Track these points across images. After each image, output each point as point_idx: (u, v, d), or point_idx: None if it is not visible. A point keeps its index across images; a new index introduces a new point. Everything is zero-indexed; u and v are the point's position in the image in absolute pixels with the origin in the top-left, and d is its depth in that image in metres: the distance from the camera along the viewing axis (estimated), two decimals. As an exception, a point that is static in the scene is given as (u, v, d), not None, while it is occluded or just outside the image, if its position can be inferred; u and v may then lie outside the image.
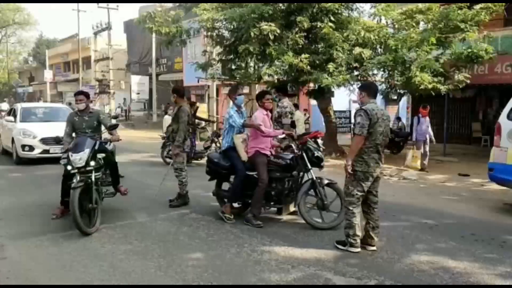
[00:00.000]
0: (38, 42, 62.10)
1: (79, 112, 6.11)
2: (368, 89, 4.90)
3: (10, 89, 63.38)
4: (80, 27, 53.81)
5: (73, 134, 6.13)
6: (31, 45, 65.02)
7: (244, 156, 5.91)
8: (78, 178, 5.39)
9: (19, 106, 13.02)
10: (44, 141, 10.76)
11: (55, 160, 10.20)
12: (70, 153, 5.48)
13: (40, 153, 10.86)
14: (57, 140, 6.63)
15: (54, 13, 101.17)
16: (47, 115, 12.34)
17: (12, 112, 12.77)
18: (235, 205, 6.13)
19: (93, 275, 4.10)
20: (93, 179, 5.41)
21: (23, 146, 10.84)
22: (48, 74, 43.86)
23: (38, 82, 54.05)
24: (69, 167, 5.46)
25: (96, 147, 5.62)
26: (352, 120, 7.06)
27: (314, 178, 5.65)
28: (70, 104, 27.83)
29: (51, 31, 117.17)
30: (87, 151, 5.41)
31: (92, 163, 5.44)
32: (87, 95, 6.31)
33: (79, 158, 5.35)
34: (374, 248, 4.79)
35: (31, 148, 10.85)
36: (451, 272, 4.24)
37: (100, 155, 5.69)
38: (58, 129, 11.06)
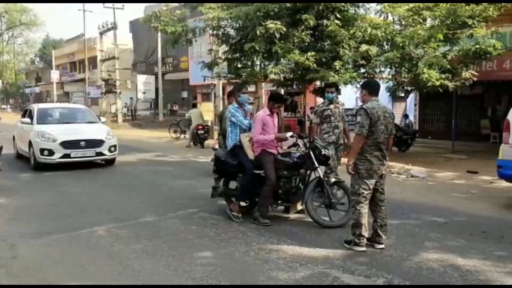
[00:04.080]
0: (44, 43, 62.56)
1: None
2: (369, 87, 4.90)
3: (18, 90, 63.97)
4: (86, 27, 54.38)
5: None
6: (38, 46, 65.60)
7: (251, 155, 5.91)
8: None
9: (35, 106, 12.04)
10: (64, 144, 9.97)
11: (75, 165, 10.08)
12: None
13: (61, 157, 9.96)
14: None
15: (61, 14, 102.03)
16: (65, 116, 11.62)
17: (28, 113, 11.75)
18: (243, 203, 6.13)
19: (104, 274, 4.13)
20: None
21: (42, 150, 9.92)
22: (54, 75, 44.19)
23: (44, 83, 54.44)
24: None
25: None
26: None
27: (321, 177, 5.64)
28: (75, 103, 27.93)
29: (58, 32, 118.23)
30: None
31: None
32: None
33: None
34: (382, 246, 4.78)
35: (51, 153, 9.90)
36: (461, 270, 4.21)
37: None
38: (79, 131, 10.51)
